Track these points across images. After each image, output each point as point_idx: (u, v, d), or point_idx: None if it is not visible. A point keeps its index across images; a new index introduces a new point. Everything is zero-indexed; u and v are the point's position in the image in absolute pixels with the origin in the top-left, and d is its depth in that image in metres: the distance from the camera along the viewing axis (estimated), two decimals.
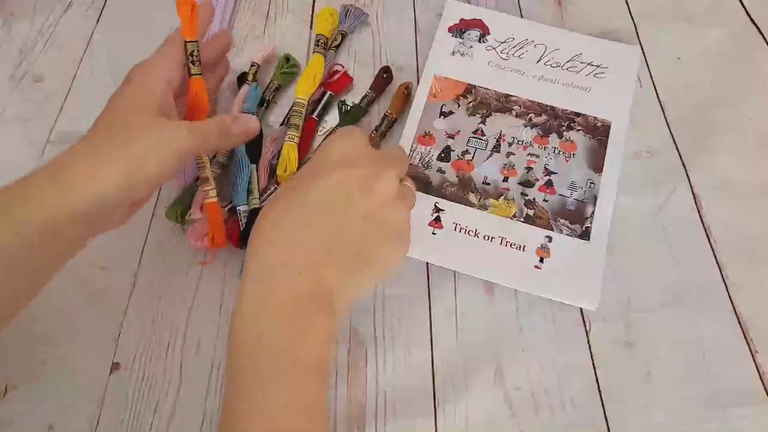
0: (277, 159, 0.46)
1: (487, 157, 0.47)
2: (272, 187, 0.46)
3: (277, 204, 0.35)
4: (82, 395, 0.39)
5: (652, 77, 0.52)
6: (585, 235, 0.43)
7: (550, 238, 0.43)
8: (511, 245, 0.43)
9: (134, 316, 0.42)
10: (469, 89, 0.50)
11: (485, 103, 0.50)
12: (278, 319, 0.31)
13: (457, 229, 0.44)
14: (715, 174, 0.47)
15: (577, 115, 0.49)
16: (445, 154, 0.47)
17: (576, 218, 0.44)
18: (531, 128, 0.48)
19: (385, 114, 0.49)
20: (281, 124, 0.49)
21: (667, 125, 0.50)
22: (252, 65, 0.52)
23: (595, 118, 0.49)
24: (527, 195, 0.45)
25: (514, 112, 0.49)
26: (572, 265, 0.42)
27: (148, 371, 0.40)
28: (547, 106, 0.49)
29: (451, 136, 0.48)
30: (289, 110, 0.49)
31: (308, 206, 0.34)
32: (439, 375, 0.40)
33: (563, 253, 0.43)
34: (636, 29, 0.55)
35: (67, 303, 0.42)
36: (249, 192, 0.44)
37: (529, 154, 0.47)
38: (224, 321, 0.41)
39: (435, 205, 0.45)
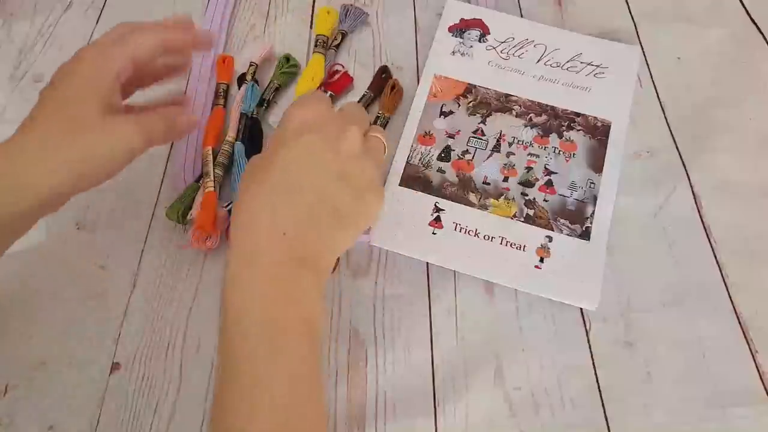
0: None
1: (488, 157, 0.47)
2: None
3: (248, 187, 0.35)
4: (82, 395, 0.39)
5: (652, 77, 0.52)
6: (585, 235, 0.43)
7: (550, 238, 0.43)
8: (511, 245, 0.43)
9: (134, 316, 0.42)
10: (469, 89, 0.50)
11: (485, 103, 0.50)
12: (266, 285, 0.32)
13: (458, 229, 0.44)
14: (715, 174, 0.47)
15: (577, 115, 0.49)
16: (445, 154, 0.47)
17: (576, 218, 0.44)
18: (531, 128, 0.48)
19: (377, 114, 0.49)
20: None
21: (667, 125, 0.50)
22: (250, 65, 0.52)
23: (595, 118, 0.49)
24: (527, 195, 0.45)
25: (514, 112, 0.49)
26: (572, 265, 0.42)
27: (148, 371, 0.40)
28: (547, 106, 0.49)
29: (452, 136, 0.48)
30: None
31: (279, 177, 0.34)
32: (439, 375, 0.40)
33: (563, 253, 0.43)
34: (636, 29, 0.55)
35: (67, 303, 0.42)
36: None
37: (529, 154, 0.47)
38: None
39: (435, 204, 0.45)
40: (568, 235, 0.43)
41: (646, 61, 0.53)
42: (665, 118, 0.50)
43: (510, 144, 0.48)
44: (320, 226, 0.34)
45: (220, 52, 0.54)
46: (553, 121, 0.49)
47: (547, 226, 0.44)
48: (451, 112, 0.49)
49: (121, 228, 0.45)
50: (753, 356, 0.40)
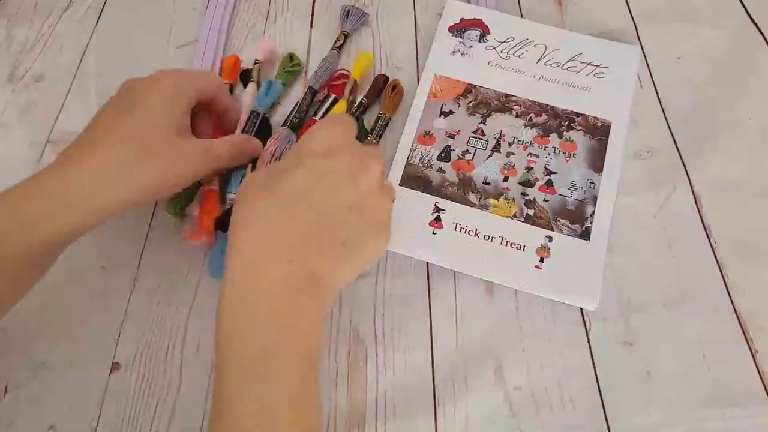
0: (278, 160, 0.46)
1: (488, 157, 0.47)
2: None
3: (256, 195, 0.34)
4: (82, 395, 0.39)
5: (652, 77, 0.52)
6: (585, 235, 0.43)
7: (550, 238, 0.43)
8: (511, 245, 0.43)
9: (134, 316, 0.42)
10: (470, 89, 0.50)
11: (485, 103, 0.50)
12: (267, 308, 0.31)
13: (458, 228, 0.44)
14: (715, 174, 0.47)
15: (577, 115, 0.49)
16: (446, 154, 0.47)
17: (576, 218, 0.44)
18: (531, 128, 0.48)
19: (378, 115, 0.49)
20: (283, 125, 0.49)
21: (667, 125, 0.50)
22: (255, 63, 0.52)
23: (596, 118, 0.49)
24: (527, 195, 0.45)
25: (514, 112, 0.49)
26: (572, 265, 0.42)
27: (148, 371, 0.40)
28: (547, 105, 0.49)
29: (452, 136, 0.48)
30: (292, 110, 0.49)
31: (292, 197, 0.33)
32: (439, 375, 0.40)
33: (563, 253, 0.43)
34: (636, 29, 0.55)
35: (67, 303, 0.42)
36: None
37: (529, 154, 0.47)
38: None
39: (435, 204, 0.45)
40: (568, 235, 0.43)
41: (646, 61, 0.53)
42: (665, 118, 0.50)
43: (510, 144, 0.48)
44: (328, 254, 0.33)
45: (221, 56, 0.54)
46: (553, 121, 0.49)
47: (547, 226, 0.44)
48: (451, 112, 0.49)
49: (121, 228, 0.45)
50: (753, 356, 0.40)
